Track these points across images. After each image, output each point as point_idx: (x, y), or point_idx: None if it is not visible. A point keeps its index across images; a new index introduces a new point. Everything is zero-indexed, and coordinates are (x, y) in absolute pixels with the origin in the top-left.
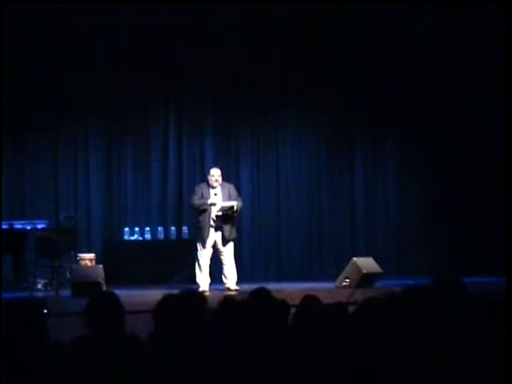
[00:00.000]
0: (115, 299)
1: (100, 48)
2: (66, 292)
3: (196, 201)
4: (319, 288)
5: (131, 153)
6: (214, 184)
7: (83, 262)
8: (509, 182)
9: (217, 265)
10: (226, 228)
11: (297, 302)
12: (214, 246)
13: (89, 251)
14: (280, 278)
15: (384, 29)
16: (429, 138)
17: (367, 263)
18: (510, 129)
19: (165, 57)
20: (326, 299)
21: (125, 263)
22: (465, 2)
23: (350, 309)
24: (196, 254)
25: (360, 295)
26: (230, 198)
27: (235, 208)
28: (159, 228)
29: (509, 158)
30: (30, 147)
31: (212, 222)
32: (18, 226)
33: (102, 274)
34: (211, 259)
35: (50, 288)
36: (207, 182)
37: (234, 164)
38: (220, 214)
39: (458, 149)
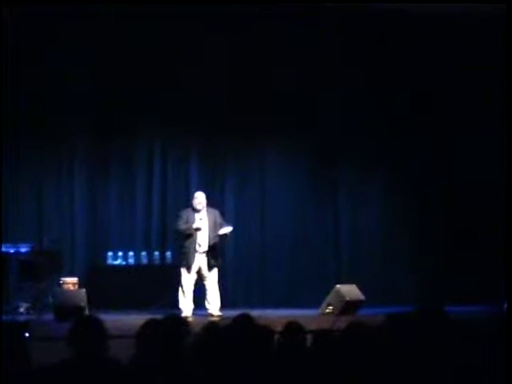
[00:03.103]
0: (98, 323)
1: (88, 74)
2: (48, 316)
3: (181, 226)
4: (302, 314)
5: (115, 177)
6: (198, 206)
7: (66, 286)
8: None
9: (199, 290)
10: (213, 254)
11: (280, 328)
12: (199, 272)
13: (72, 275)
14: (263, 305)
15: (367, 56)
16: (414, 163)
17: (350, 290)
18: (501, 153)
19: (151, 81)
20: (309, 326)
21: (108, 287)
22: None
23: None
24: (179, 279)
25: (343, 322)
26: (215, 225)
27: (228, 233)
28: (143, 253)
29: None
30: (13, 170)
31: (197, 247)
32: (1, 250)
33: (85, 298)
34: (194, 285)
35: (32, 312)
36: (192, 206)
37: (218, 189)
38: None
39: (444, 175)
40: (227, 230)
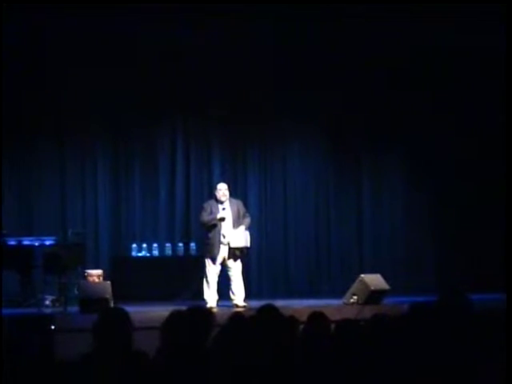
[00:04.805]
0: (124, 315)
1: (108, 69)
2: (73, 308)
3: (205, 217)
4: (327, 305)
5: (139, 168)
6: (223, 198)
7: (91, 279)
8: (510, 195)
9: (224, 281)
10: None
11: (304, 318)
12: (223, 263)
13: (96, 267)
14: (288, 295)
15: (385, 44)
16: (435, 152)
17: (375, 280)
18: (510, 145)
19: (171, 76)
20: (334, 316)
21: (132, 279)
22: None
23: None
24: (204, 270)
25: (368, 312)
26: (238, 215)
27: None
28: (167, 244)
29: (509, 175)
30: (37, 163)
31: (222, 238)
32: (26, 243)
33: (110, 291)
34: (218, 276)
35: (57, 304)
36: (215, 197)
37: (241, 180)
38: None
39: (464, 163)
40: (241, 244)
